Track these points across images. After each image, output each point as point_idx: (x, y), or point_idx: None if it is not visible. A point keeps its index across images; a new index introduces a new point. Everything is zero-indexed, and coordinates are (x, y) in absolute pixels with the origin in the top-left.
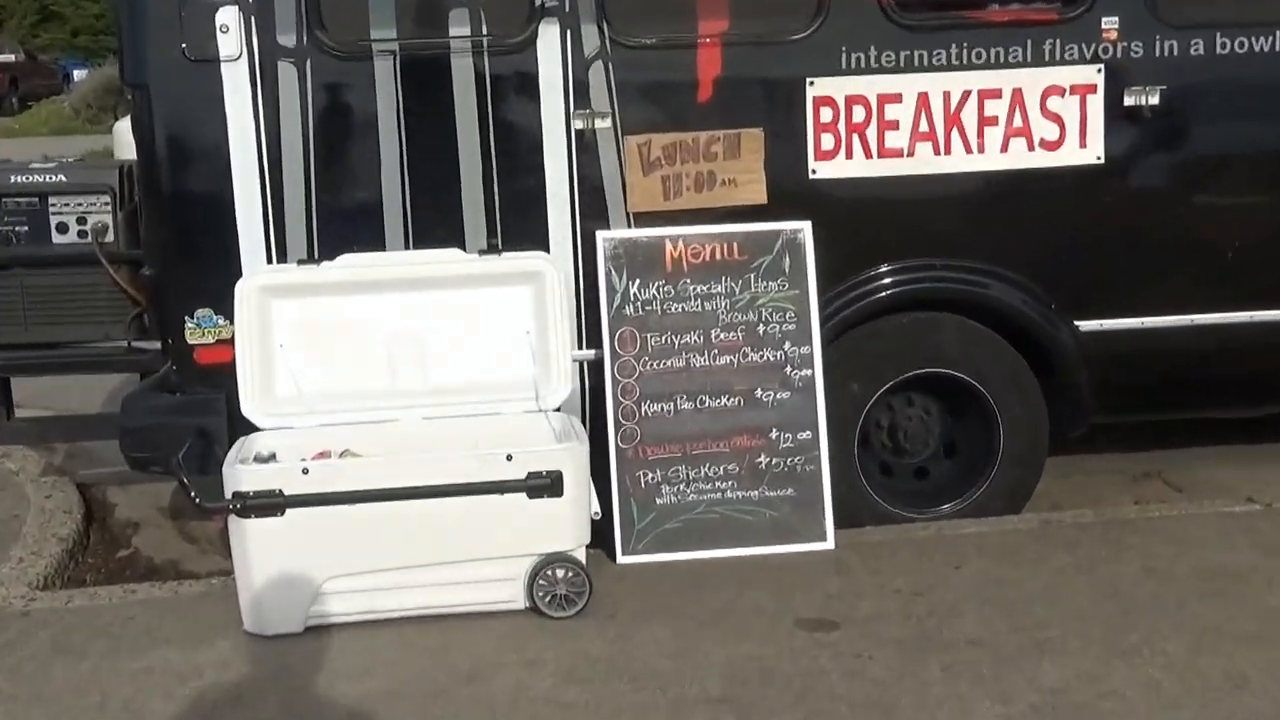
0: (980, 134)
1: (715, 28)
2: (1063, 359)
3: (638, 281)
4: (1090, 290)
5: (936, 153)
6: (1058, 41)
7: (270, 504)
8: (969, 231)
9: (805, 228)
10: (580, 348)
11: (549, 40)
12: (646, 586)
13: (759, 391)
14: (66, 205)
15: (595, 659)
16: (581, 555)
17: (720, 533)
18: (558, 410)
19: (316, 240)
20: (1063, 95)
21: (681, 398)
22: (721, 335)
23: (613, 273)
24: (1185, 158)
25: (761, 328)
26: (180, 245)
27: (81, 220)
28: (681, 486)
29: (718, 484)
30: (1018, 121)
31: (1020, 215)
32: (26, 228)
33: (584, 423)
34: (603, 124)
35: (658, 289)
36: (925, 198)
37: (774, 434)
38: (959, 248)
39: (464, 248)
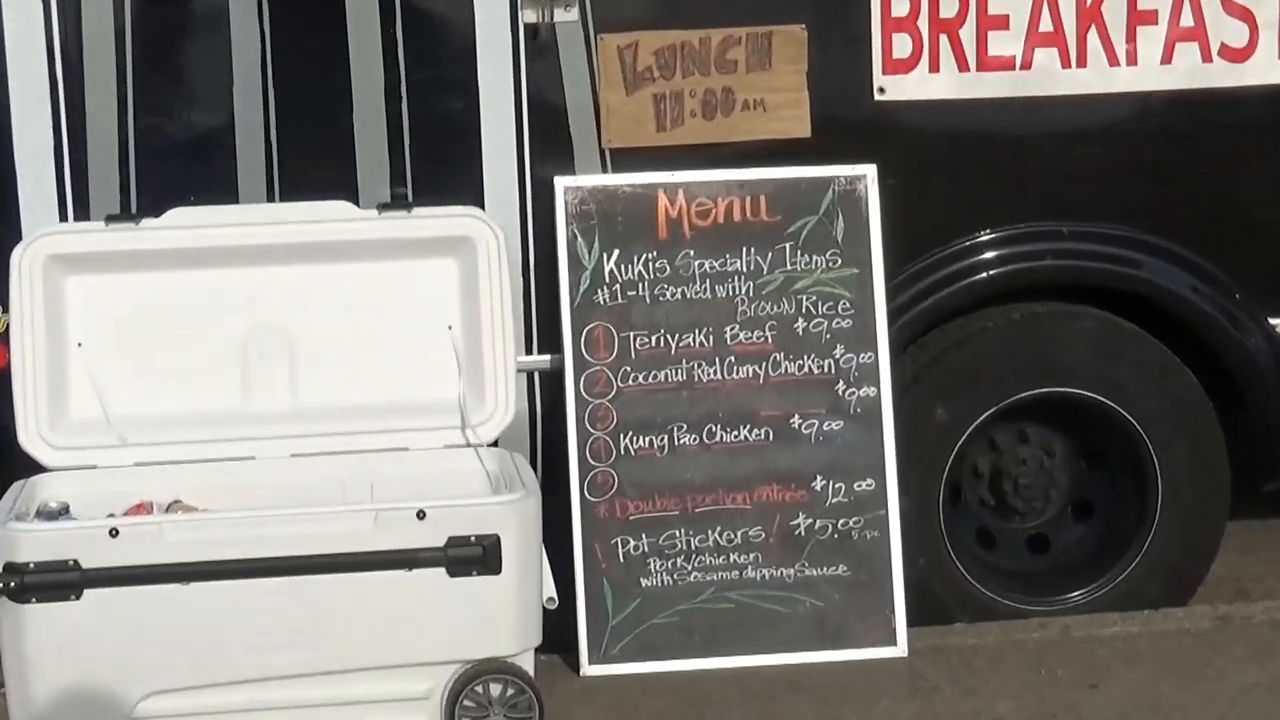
0: (1130, 37)
1: None
2: (1253, 376)
3: (616, 253)
4: None
5: (1065, 64)
6: None
7: (60, 582)
8: (1112, 182)
9: (868, 174)
10: (530, 352)
11: None
12: (625, 713)
13: (797, 420)
14: None
15: None
16: (528, 663)
17: (736, 631)
18: (495, 445)
19: (134, 187)
20: None
21: (680, 428)
22: (741, 335)
23: (579, 240)
24: None
25: (801, 324)
26: None
27: None
28: (679, 561)
29: (733, 557)
30: (1186, 19)
31: (1190, 159)
32: None
33: (534, 463)
34: (566, 15)
35: (646, 265)
36: (1047, 132)
37: (819, 484)
38: (1098, 207)
39: (356, 200)
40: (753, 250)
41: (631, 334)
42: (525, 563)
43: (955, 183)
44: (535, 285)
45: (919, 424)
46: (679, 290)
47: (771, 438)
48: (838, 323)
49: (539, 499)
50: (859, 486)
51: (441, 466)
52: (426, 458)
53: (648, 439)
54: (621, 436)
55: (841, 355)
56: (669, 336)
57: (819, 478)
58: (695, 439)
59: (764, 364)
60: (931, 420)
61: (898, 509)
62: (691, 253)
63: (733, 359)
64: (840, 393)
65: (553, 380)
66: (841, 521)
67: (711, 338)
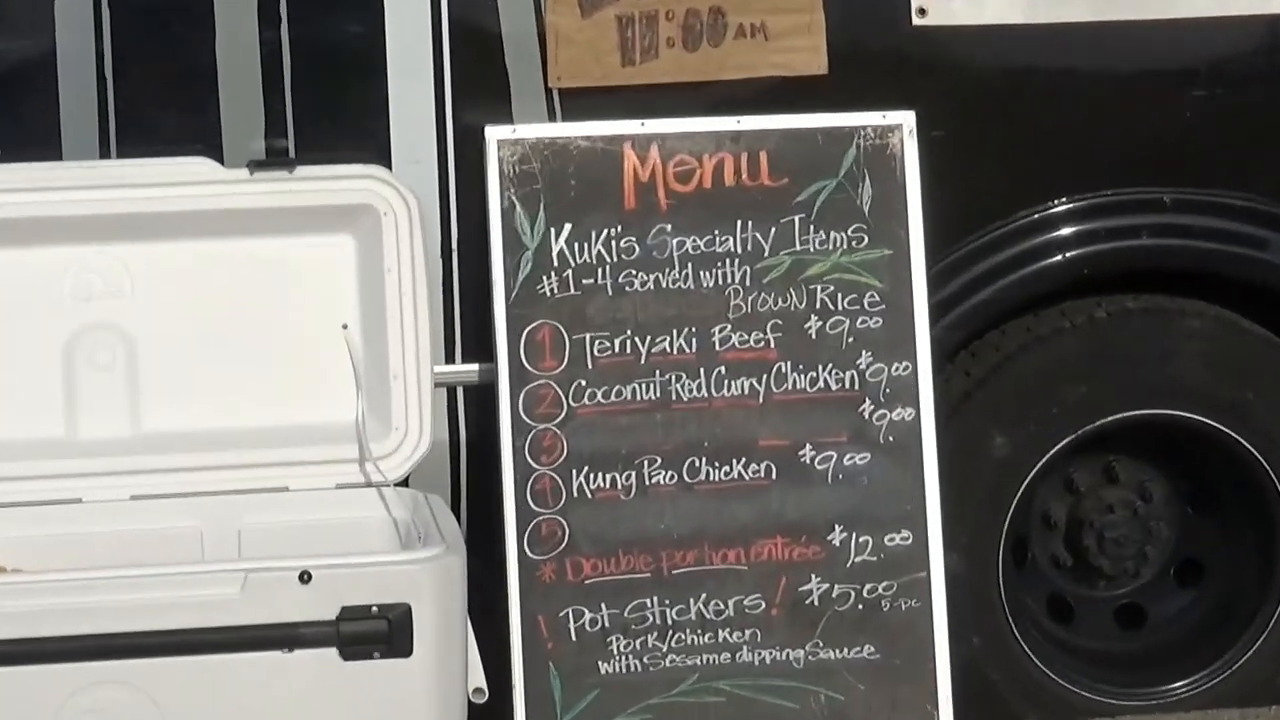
0: None
1: None
2: None
3: (568, 229)
4: None
5: None
6: None
7: None
8: (1231, 137)
9: (904, 124)
10: (452, 360)
11: None
12: None
13: (808, 452)
14: None
15: None
16: None
17: None
18: (404, 484)
19: None
20: None
21: (653, 463)
22: (734, 339)
23: (518, 211)
24: None
25: (815, 324)
26: None
27: None
28: (651, 639)
29: (724, 635)
30: None
31: None
32: None
33: (457, 509)
34: None
35: (608, 245)
36: (1144, 69)
37: (837, 537)
38: (1211, 168)
39: (220, 157)
40: (750, 225)
41: (588, 336)
42: (445, 642)
43: (1020, 135)
44: (459, 271)
45: (971, 457)
46: (652, 278)
47: (775, 475)
48: (863, 322)
49: (463, 557)
50: (891, 541)
51: (333, 513)
52: (313, 501)
53: (609, 477)
54: (574, 473)
55: (868, 365)
56: (638, 340)
57: (838, 529)
58: (673, 477)
59: (765, 377)
60: (988, 452)
61: (943, 571)
62: (669, 228)
63: (723, 370)
64: (866, 415)
65: (483, 398)
66: (868, 588)
67: (695, 342)
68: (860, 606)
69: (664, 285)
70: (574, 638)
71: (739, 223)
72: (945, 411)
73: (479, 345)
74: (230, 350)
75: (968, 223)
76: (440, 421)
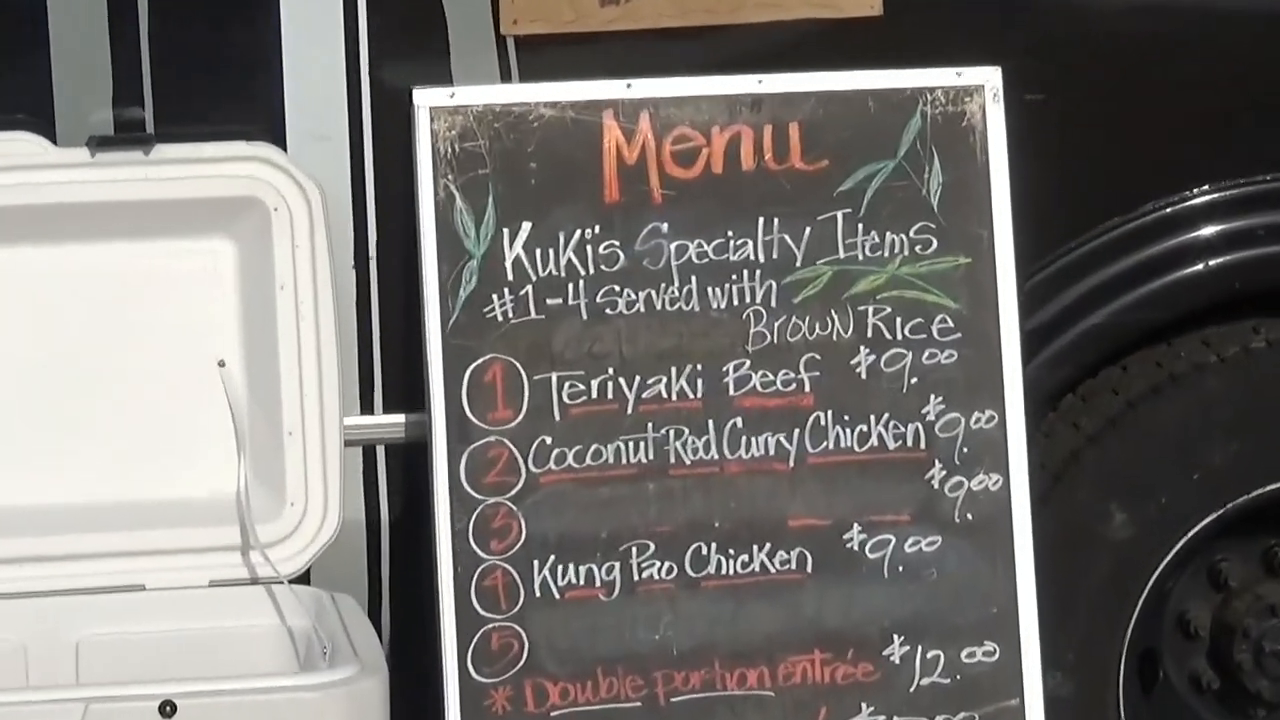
0: None
1: None
2: None
3: (527, 229)
4: None
5: None
6: None
7: None
8: None
9: (987, 85)
10: (370, 410)
11: None
12: None
13: (856, 535)
14: None
15: None
16: None
17: None
18: (305, 580)
19: None
20: None
21: (643, 551)
22: (755, 380)
23: (459, 204)
24: None
25: (866, 359)
26: None
27: None
28: None
29: None
30: None
31: None
32: None
33: (377, 614)
34: None
35: (583, 251)
36: None
37: (897, 651)
38: None
39: (53, 134)
40: (776, 224)
41: (555, 377)
42: None
43: (1148, 99)
44: (379, 288)
45: (1081, 542)
46: (642, 296)
47: (810, 567)
48: (931, 356)
49: (385, 680)
50: (970, 657)
51: (206, 620)
52: (178, 604)
53: (584, 570)
54: (536, 565)
55: (938, 416)
56: (623, 382)
57: (897, 641)
58: (671, 570)
59: (797, 432)
60: (1105, 534)
61: (1042, 697)
62: (665, 228)
63: (740, 422)
64: (936, 484)
65: (411, 462)
66: None
67: (702, 384)
68: None
69: (659, 306)
70: None
71: (761, 221)
72: (1045, 479)
73: (406, 390)
74: (66, 397)
75: (1074, 220)
76: (353, 495)
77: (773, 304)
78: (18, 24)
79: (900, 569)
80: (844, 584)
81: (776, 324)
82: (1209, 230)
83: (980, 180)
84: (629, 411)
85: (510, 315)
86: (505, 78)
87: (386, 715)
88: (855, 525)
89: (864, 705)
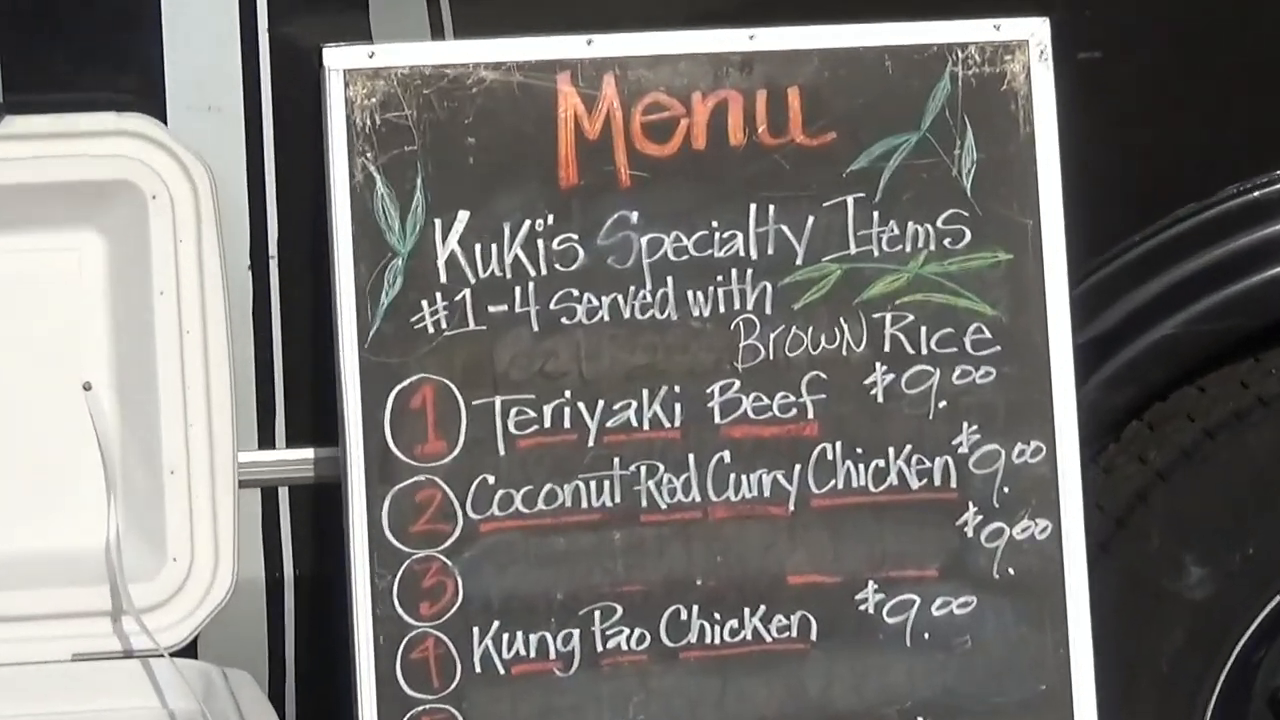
0: None
1: None
2: None
3: (463, 219)
4: None
5: None
6: None
7: None
8: None
9: (1032, 39)
10: (272, 444)
11: None
12: None
13: (871, 595)
14: None
15: None
16: None
17: None
18: (191, 653)
19: None
20: None
21: (608, 616)
22: (747, 402)
23: (380, 188)
24: None
25: (883, 378)
26: None
27: None
28: None
29: None
30: None
31: None
32: None
33: (280, 694)
34: None
35: (531, 244)
36: None
37: None
38: None
39: None
40: (773, 213)
41: (499, 402)
42: None
43: (1228, 61)
44: (281, 294)
45: (1150, 601)
46: (606, 302)
47: (815, 634)
48: (964, 374)
49: None
50: None
51: (67, 703)
52: (37, 682)
53: (535, 639)
54: (476, 633)
55: (973, 448)
56: (583, 408)
57: None
58: (644, 638)
59: (799, 468)
60: (1178, 593)
61: None
62: (634, 217)
63: (727, 457)
64: (970, 532)
65: (322, 508)
66: None
67: (681, 410)
68: None
69: (627, 314)
70: None
71: (753, 209)
72: (1105, 525)
73: (315, 419)
74: None
75: (1140, 207)
76: (250, 548)
77: (768, 311)
78: None
79: (926, 637)
80: (857, 656)
81: (773, 335)
82: None
83: (1023, 157)
84: (590, 444)
85: (444, 326)
86: (437, 34)
87: None
88: (870, 583)
89: None
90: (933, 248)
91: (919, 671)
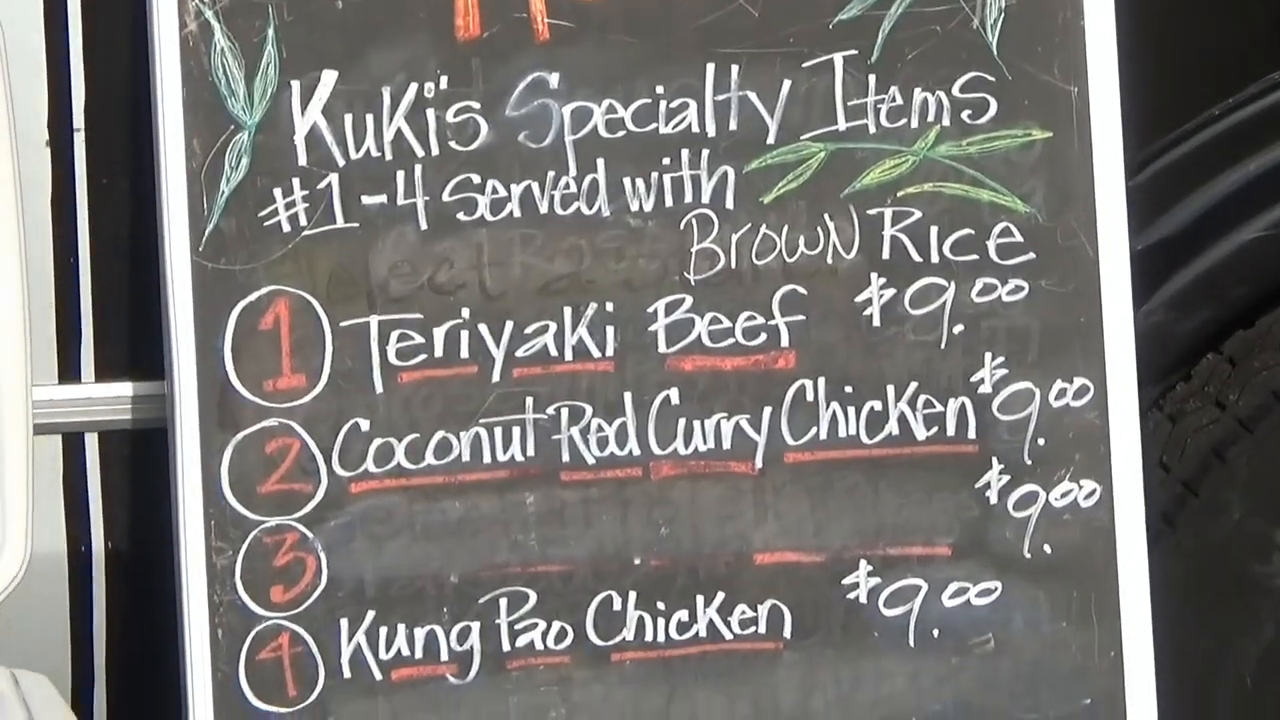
0: None
1: None
2: None
3: (329, 81)
4: None
5: None
6: None
7: None
8: None
9: None
10: (75, 377)
11: None
12: None
13: (864, 579)
14: None
15: None
16: None
17: None
18: None
19: None
20: None
21: (517, 605)
22: (702, 325)
23: (219, 41)
24: None
25: (881, 294)
26: None
27: None
28: None
29: None
30: None
31: None
32: None
33: (86, 701)
34: None
35: (418, 114)
36: None
37: None
38: None
39: None
40: (735, 75)
41: (375, 324)
42: None
43: None
44: (89, 178)
45: (1229, 587)
46: (516, 192)
47: (789, 631)
48: (987, 290)
49: None
50: None
51: None
52: None
53: (421, 634)
54: (344, 626)
55: (998, 388)
56: (485, 331)
57: None
58: (563, 635)
59: (768, 413)
60: (1264, 576)
61: None
62: (554, 81)
63: (675, 396)
64: (993, 497)
65: (143, 461)
66: None
67: (613, 335)
68: None
69: (544, 209)
70: None
71: (711, 70)
72: (1170, 490)
73: (133, 346)
74: None
75: (1221, 70)
76: (48, 513)
77: (729, 205)
78: None
79: (935, 635)
80: (844, 659)
81: (735, 238)
82: None
83: (1067, 4)
84: (495, 379)
85: (303, 223)
86: None
87: None
88: (862, 563)
89: None
90: (946, 123)
91: (925, 679)
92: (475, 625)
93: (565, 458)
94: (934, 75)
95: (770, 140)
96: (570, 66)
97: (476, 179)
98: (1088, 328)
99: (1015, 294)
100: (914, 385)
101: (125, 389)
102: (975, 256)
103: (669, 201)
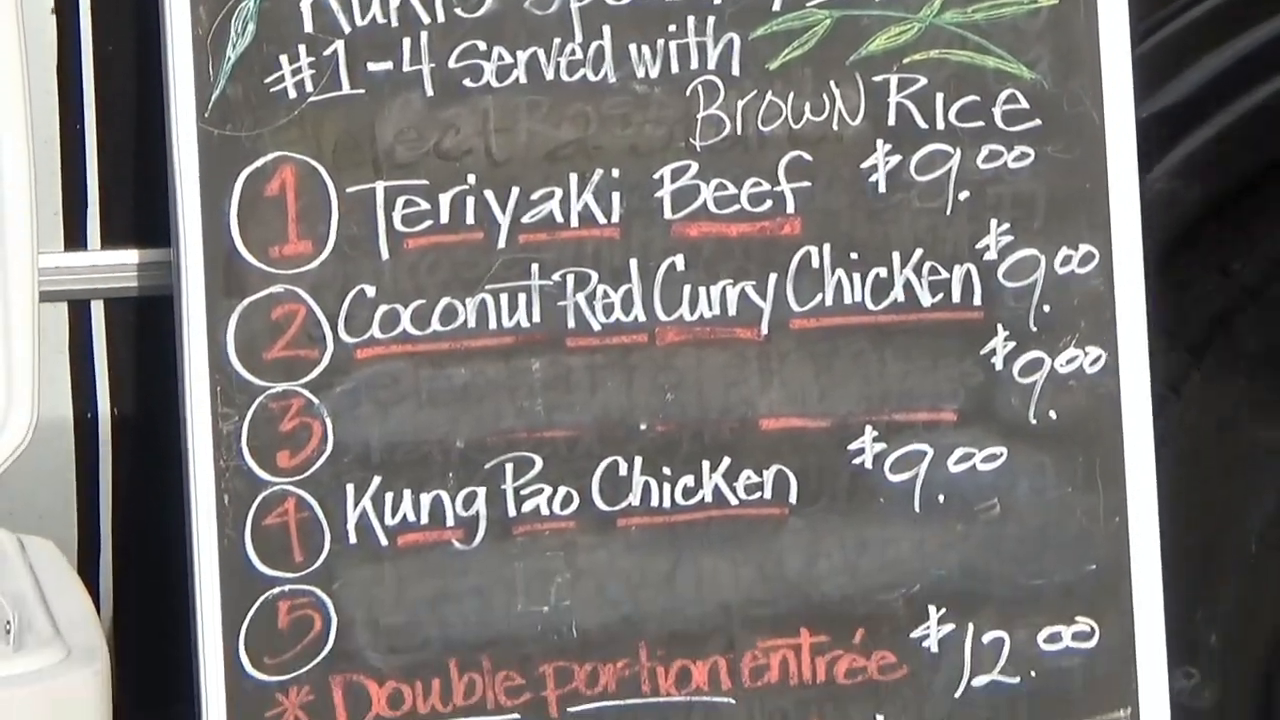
0: None
1: None
2: None
3: None
4: None
5: None
6: None
7: None
8: None
9: None
10: (81, 244)
11: None
12: None
13: (869, 447)
14: None
15: None
16: None
17: None
18: None
19: None
20: None
21: (523, 471)
22: (708, 191)
23: None
24: None
25: (886, 161)
26: None
27: None
28: None
29: None
30: None
31: None
32: None
33: (92, 567)
34: None
35: None
36: None
37: (934, 633)
38: None
39: None
40: None
41: (381, 190)
42: None
43: None
44: (94, 40)
45: (1235, 457)
46: (522, 59)
47: (795, 497)
48: (993, 157)
49: (104, 669)
50: (1054, 643)
51: None
52: None
53: (427, 500)
54: (350, 492)
55: (1003, 254)
56: (491, 197)
57: (935, 615)
58: (569, 500)
59: (773, 279)
60: (1269, 444)
61: (1167, 705)
62: None
63: (680, 262)
64: (998, 363)
65: (148, 328)
66: None
67: (619, 201)
68: None
69: (550, 75)
70: None
71: None
72: (1176, 357)
73: (139, 213)
74: None
75: None
76: (54, 380)
77: (734, 71)
78: None
79: (940, 500)
80: (849, 524)
81: (741, 104)
82: None
83: None
84: (501, 244)
85: (309, 89)
86: None
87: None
88: (868, 429)
89: (881, 719)
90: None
91: (931, 544)
92: (481, 491)
93: (571, 324)
94: None
95: (776, 7)
96: None
97: (483, 46)
98: (1093, 194)
99: (1021, 160)
100: (919, 252)
101: (131, 256)
102: (981, 123)
103: (675, 68)
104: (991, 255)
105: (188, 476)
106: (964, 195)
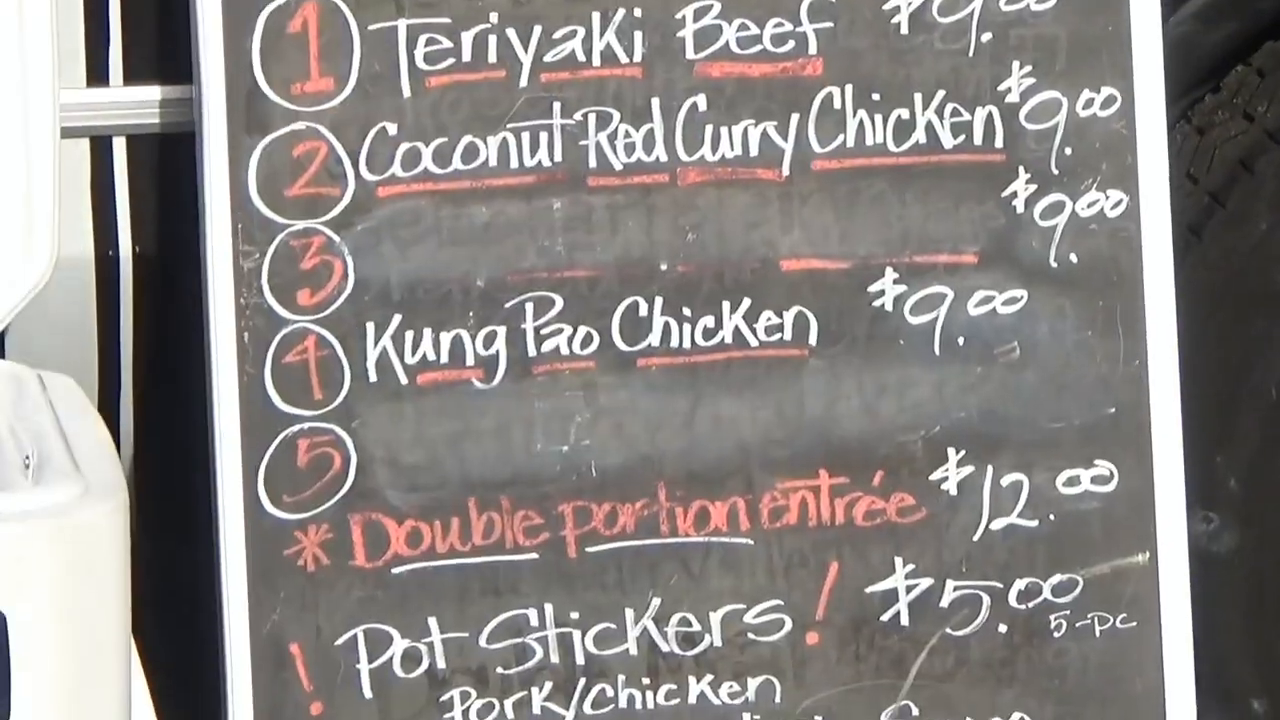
0: None
1: None
2: None
3: None
4: None
5: None
6: None
7: None
8: None
9: None
10: (102, 80)
11: None
12: None
13: (889, 288)
14: None
15: None
16: None
17: None
18: None
19: None
20: None
21: (543, 310)
22: (730, 29)
23: None
24: None
25: (907, 0)
26: None
27: None
28: (537, 698)
29: (699, 684)
30: None
31: None
32: None
33: (114, 405)
34: None
35: None
36: None
37: (953, 474)
38: None
39: None
40: None
41: (404, 28)
42: (85, 691)
43: None
44: None
45: (1257, 299)
46: None
47: (815, 338)
48: None
49: (122, 504)
50: (1073, 486)
51: None
52: None
53: (447, 339)
54: (370, 331)
55: (1025, 96)
56: (513, 35)
57: (954, 458)
58: (589, 340)
59: (795, 120)
60: None
61: (1185, 548)
62: None
63: (702, 103)
64: (1020, 205)
65: (170, 165)
66: (1022, 586)
67: (641, 40)
68: (1003, 629)
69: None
70: (368, 693)
71: None
72: (1197, 200)
73: (161, 49)
74: None
75: None
76: (76, 216)
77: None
78: None
79: (960, 342)
80: (869, 366)
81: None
82: None
83: None
84: (523, 83)
85: None
86: None
87: (124, 557)
88: (889, 270)
89: (899, 561)
90: None
91: (951, 387)
92: (501, 330)
93: (592, 163)
94: None
95: None
96: None
97: None
98: (1116, 37)
99: (1043, 2)
100: (941, 93)
101: (153, 92)
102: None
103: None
104: (1014, 97)
105: (208, 314)
106: (986, 37)
